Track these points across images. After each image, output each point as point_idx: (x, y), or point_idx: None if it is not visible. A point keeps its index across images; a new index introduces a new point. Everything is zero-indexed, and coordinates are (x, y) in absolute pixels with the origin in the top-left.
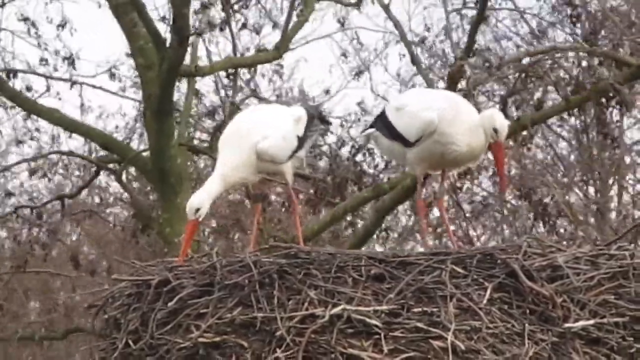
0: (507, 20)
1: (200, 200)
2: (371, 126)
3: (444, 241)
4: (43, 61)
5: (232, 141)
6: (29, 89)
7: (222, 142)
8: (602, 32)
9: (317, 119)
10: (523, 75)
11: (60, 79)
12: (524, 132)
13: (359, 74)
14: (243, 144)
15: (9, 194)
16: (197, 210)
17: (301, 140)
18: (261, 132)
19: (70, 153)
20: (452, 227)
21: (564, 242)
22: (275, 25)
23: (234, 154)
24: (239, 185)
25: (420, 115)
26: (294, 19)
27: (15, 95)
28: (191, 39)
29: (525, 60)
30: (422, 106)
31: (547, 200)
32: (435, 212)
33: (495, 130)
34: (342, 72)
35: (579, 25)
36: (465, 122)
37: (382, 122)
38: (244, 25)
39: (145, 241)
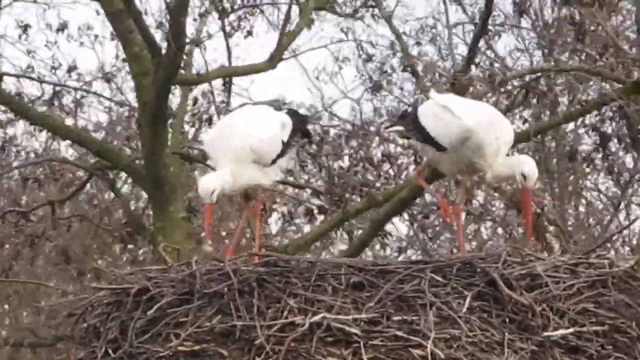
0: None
1: (214, 182)
2: (398, 123)
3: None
4: (30, 68)
5: (222, 140)
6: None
7: (210, 142)
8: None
9: (300, 131)
10: (524, 90)
11: (55, 84)
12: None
13: (377, 89)
14: (233, 140)
15: None
16: (212, 192)
17: (285, 147)
18: (249, 129)
19: (63, 160)
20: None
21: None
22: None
23: (230, 151)
24: (244, 186)
25: (457, 121)
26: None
27: (9, 100)
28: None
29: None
30: (460, 113)
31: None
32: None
33: (524, 176)
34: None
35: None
36: (499, 137)
37: (414, 125)
38: (249, 33)
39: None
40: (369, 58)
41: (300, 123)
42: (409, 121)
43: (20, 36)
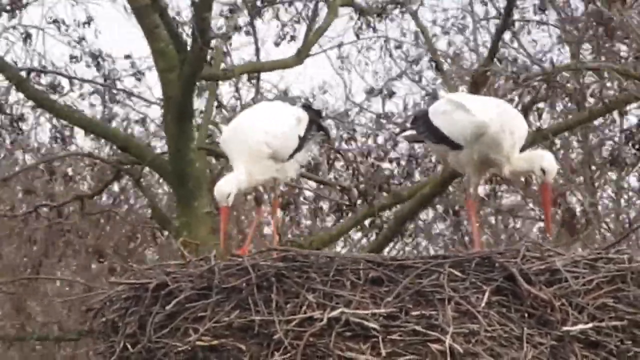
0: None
1: (230, 185)
2: (410, 127)
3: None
4: (74, 59)
5: (239, 137)
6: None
7: (226, 136)
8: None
9: (317, 124)
10: (546, 85)
11: (83, 79)
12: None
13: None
14: (250, 138)
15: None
16: (228, 195)
17: (301, 141)
18: (266, 126)
19: (89, 155)
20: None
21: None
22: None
23: (246, 149)
24: (261, 182)
25: (470, 118)
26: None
27: (35, 95)
28: (215, 42)
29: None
30: (472, 109)
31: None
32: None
33: (543, 171)
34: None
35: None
36: (514, 132)
37: (426, 126)
38: (293, 38)
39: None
40: (399, 45)
41: (315, 116)
42: (421, 123)
43: (59, 27)
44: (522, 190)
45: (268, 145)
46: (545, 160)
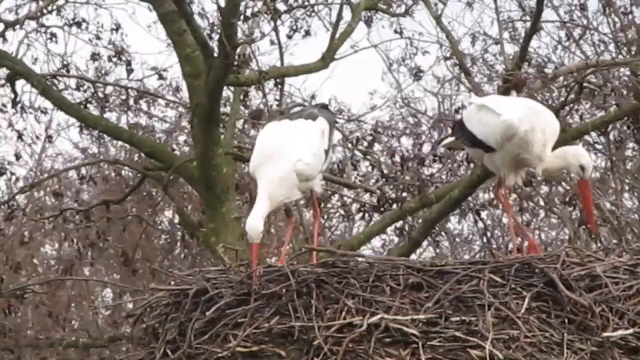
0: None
1: (259, 223)
2: (451, 134)
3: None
4: (96, 56)
5: (269, 163)
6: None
7: (256, 164)
8: None
9: (334, 127)
10: (577, 86)
11: (107, 83)
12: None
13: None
14: (280, 165)
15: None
16: (260, 233)
17: (326, 154)
18: (296, 152)
19: (115, 161)
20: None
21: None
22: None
23: (275, 175)
24: (284, 202)
25: (500, 119)
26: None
27: (62, 101)
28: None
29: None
30: (501, 111)
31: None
32: None
33: (582, 168)
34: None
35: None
36: (545, 131)
37: (462, 131)
38: (307, 33)
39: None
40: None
41: (332, 118)
42: (457, 129)
43: (81, 26)
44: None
45: (301, 172)
46: (581, 156)
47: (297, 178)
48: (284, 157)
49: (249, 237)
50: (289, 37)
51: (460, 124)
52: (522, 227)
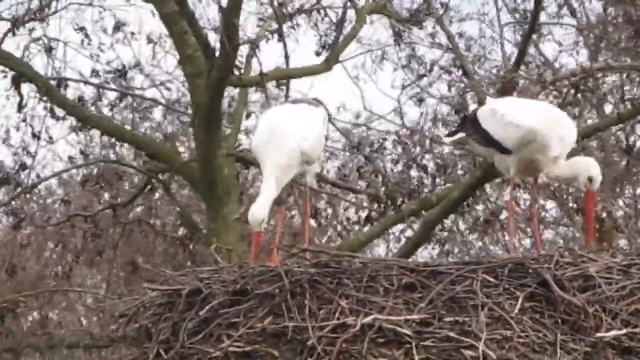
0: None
1: (264, 211)
2: (459, 130)
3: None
4: (94, 73)
5: (273, 144)
6: (80, 99)
7: (260, 146)
8: None
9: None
10: (574, 89)
11: (111, 88)
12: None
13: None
14: (285, 145)
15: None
16: (262, 221)
17: (325, 140)
18: (301, 132)
19: (117, 162)
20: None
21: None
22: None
23: (281, 157)
24: (287, 185)
25: (520, 123)
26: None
27: (65, 103)
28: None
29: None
30: (522, 114)
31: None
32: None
33: (590, 179)
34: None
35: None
36: (565, 138)
37: (475, 129)
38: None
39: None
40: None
41: (328, 111)
42: (469, 127)
43: (82, 41)
44: None
45: (305, 151)
46: (592, 168)
47: (301, 157)
48: (289, 136)
49: (250, 226)
50: (317, 54)
51: (473, 122)
52: (536, 233)
